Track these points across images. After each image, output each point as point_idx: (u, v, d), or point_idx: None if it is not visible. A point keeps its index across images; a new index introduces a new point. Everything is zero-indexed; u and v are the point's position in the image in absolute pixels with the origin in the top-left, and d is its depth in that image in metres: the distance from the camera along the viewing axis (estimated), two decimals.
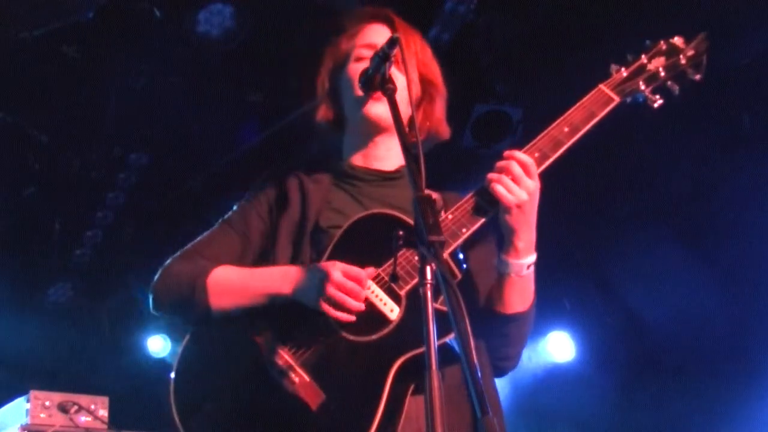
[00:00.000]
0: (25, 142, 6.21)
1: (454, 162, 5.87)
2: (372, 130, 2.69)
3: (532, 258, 2.45)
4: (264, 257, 2.58)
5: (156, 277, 2.59)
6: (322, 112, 2.78)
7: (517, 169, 2.38)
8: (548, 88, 5.69)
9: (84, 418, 5.38)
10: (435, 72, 2.80)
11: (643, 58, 2.63)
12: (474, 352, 1.76)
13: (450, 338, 2.23)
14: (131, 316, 7.78)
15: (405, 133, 2.22)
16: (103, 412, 5.44)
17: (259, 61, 5.59)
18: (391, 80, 2.37)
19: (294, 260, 2.53)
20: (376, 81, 2.41)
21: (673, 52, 2.64)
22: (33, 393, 5.30)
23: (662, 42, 2.66)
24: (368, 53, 2.60)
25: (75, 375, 6.68)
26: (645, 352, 6.97)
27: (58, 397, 5.36)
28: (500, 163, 2.41)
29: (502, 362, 2.58)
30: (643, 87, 2.59)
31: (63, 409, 5.33)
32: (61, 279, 7.48)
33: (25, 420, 5.23)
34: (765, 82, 5.54)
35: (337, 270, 2.32)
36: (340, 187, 2.69)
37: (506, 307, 2.47)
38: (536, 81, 5.89)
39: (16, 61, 5.46)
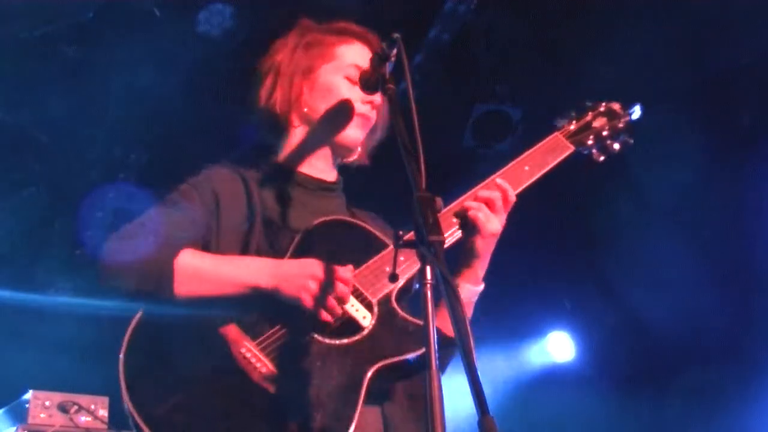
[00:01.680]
0: (25, 142, 6.21)
1: (454, 162, 5.87)
2: (340, 151, 2.74)
3: (482, 287, 2.59)
4: (207, 246, 2.49)
5: (106, 251, 2.43)
6: (268, 101, 2.79)
7: (500, 202, 2.53)
8: (548, 88, 5.69)
9: (84, 418, 5.38)
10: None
11: (589, 116, 2.90)
12: (474, 351, 1.76)
13: (412, 355, 2.29)
14: (131, 316, 7.77)
15: (404, 134, 2.22)
16: (103, 412, 5.44)
17: (259, 61, 5.58)
18: (391, 81, 2.37)
19: (242, 254, 2.48)
20: (376, 82, 2.41)
21: (613, 115, 2.92)
22: (33, 393, 5.30)
23: (603, 104, 2.93)
24: (356, 75, 2.60)
25: (75, 375, 6.66)
26: (645, 352, 6.97)
27: (58, 397, 5.36)
28: (484, 193, 2.55)
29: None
30: (590, 142, 2.86)
31: (63, 409, 5.32)
32: (61, 279, 7.47)
33: (25, 420, 5.23)
34: (765, 82, 5.54)
35: (330, 270, 2.32)
36: (282, 189, 2.66)
37: (447, 331, 2.48)
38: (536, 81, 5.89)
39: (16, 61, 5.46)
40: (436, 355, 1.82)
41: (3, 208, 6.64)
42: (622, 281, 7.05)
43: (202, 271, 2.37)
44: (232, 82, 5.75)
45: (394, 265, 2.28)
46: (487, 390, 1.68)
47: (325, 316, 2.32)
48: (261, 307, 2.36)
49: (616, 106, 2.93)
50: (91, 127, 6.18)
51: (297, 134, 2.76)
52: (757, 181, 5.96)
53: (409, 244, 2.05)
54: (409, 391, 2.47)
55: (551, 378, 7.60)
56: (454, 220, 2.53)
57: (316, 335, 2.34)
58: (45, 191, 6.65)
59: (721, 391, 6.42)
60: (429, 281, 1.88)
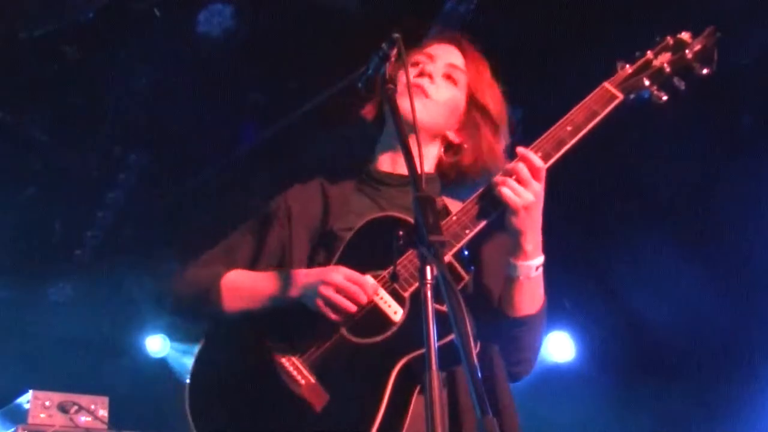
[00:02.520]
0: (25, 142, 6.21)
1: None
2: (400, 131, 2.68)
3: (540, 259, 2.47)
4: (279, 262, 2.59)
5: (173, 280, 2.67)
6: (370, 110, 2.80)
7: (525, 171, 2.39)
8: (548, 88, 5.69)
9: (84, 418, 5.38)
10: (489, 100, 2.83)
11: (649, 54, 2.59)
12: (474, 352, 1.76)
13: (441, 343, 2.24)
14: (131, 316, 7.78)
15: (404, 134, 2.22)
16: (103, 412, 5.44)
17: (259, 61, 5.58)
18: (391, 80, 2.36)
19: (311, 262, 2.55)
20: (376, 81, 2.40)
21: (679, 47, 2.58)
22: (33, 393, 5.30)
23: (669, 37, 2.61)
24: (423, 59, 2.70)
25: (75, 375, 6.67)
26: (645, 352, 6.97)
27: (58, 397, 5.36)
28: (510, 165, 2.42)
29: (515, 367, 2.59)
30: (647, 83, 2.54)
31: (63, 409, 5.32)
32: (61, 279, 7.47)
33: (25, 420, 5.23)
34: (765, 82, 5.54)
35: (338, 273, 2.34)
36: (362, 191, 2.69)
37: (516, 310, 2.47)
38: (536, 81, 5.88)
39: (16, 61, 5.45)
40: (436, 355, 1.80)
41: (3, 208, 6.64)
42: (621, 281, 7.04)
43: (241, 288, 2.52)
44: (232, 82, 5.76)
45: (394, 265, 2.28)
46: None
47: (347, 316, 2.34)
48: (298, 317, 2.41)
49: (684, 36, 2.59)
50: (91, 127, 6.18)
51: (385, 135, 2.78)
52: (758, 181, 5.95)
53: (409, 244, 2.05)
54: (461, 381, 2.43)
55: (551, 378, 7.59)
56: (485, 200, 2.41)
57: (348, 337, 2.37)
58: (45, 191, 6.65)
59: (722, 391, 6.42)
60: (429, 281, 1.88)
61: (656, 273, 6.62)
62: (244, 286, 2.52)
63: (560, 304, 7.50)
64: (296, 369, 2.36)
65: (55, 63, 5.53)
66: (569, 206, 6.58)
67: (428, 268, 1.89)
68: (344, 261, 2.44)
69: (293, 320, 2.42)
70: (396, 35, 2.31)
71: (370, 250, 2.43)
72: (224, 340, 2.54)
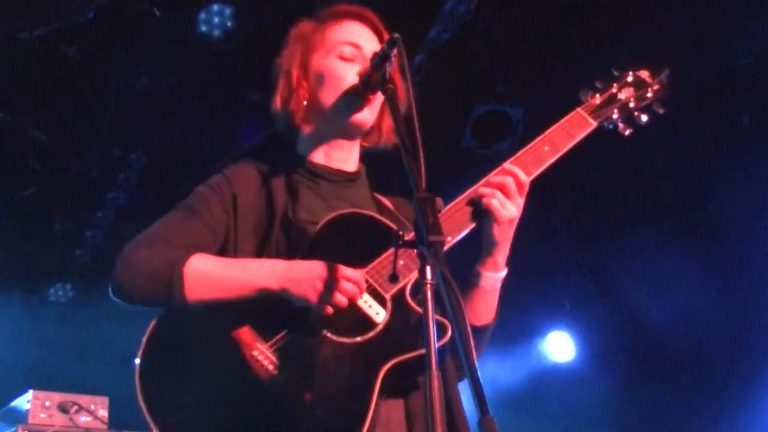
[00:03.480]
0: (25, 142, 6.21)
1: (454, 162, 5.87)
2: (352, 132, 2.66)
3: (504, 273, 2.54)
4: (225, 248, 2.50)
5: (119, 262, 2.46)
6: (281, 100, 2.69)
7: (513, 186, 2.47)
8: (548, 88, 5.69)
9: (84, 418, 5.38)
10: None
11: (615, 87, 2.77)
12: (474, 351, 1.76)
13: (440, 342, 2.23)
14: (131, 316, 7.78)
15: (404, 134, 2.21)
16: (103, 412, 5.44)
17: (259, 61, 5.58)
18: (391, 80, 2.36)
19: (260, 252, 2.47)
20: (377, 81, 2.40)
21: (641, 84, 2.78)
22: (33, 393, 5.30)
23: (630, 73, 2.80)
24: (350, 52, 2.61)
25: (75, 375, 6.67)
26: (645, 352, 6.98)
27: (58, 397, 5.36)
28: (497, 178, 2.48)
29: (458, 372, 2.55)
30: (616, 116, 2.73)
31: (63, 409, 5.33)
32: (61, 279, 7.48)
33: (25, 420, 5.23)
34: (765, 82, 5.54)
35: (333, 269, 2.30)
36: (302, 183, 2.63)
37: (475, 319, 2.51)
38: (536, 81, 5.89)
39: (16, 61, 5.46)
40: (436, 355, 1.80)
41: (3, 208, 6.65)
42: (622, 281, 7.05)
43: (211, 276, 2.37)
44: (232, 82, 5.77)
45: (394, 265, 2.29)
46: (487, 390, 1.68)
47: (334, 313, 2.31)
48: (272, 310, 2.35)
49: (644, 74, 2.80)
50: (91, 127, 6.18)
51: (307, 129, 2.71)
52: (757, 180, 5.96)
53: (409, 245, 2.04)
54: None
55: (551, 378, 7.60)
56: (469, 208, 2.47)
57: (328, 334, 2.33)
58: (45, 191, 6.65)
59: (721, 391, 6.43)
60: (429, 281, 1.88)
61: (656, 273, 6.62)
62: (212, 274, 2.37)
63: (560, 304, 7.51)
64: (270, 363, 2.29)
65: (55, 63, 5.52)
66: (569, 207, 6.59)
67: (428, 268, 1.89)
68: (316, 257, 2.38)
69: (266, 309, 2.34)
70: (396, 36, 2.31)
71: (341, 248, 2.40)
72: (182, 326, 2.38)
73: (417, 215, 1.98)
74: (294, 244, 2.46)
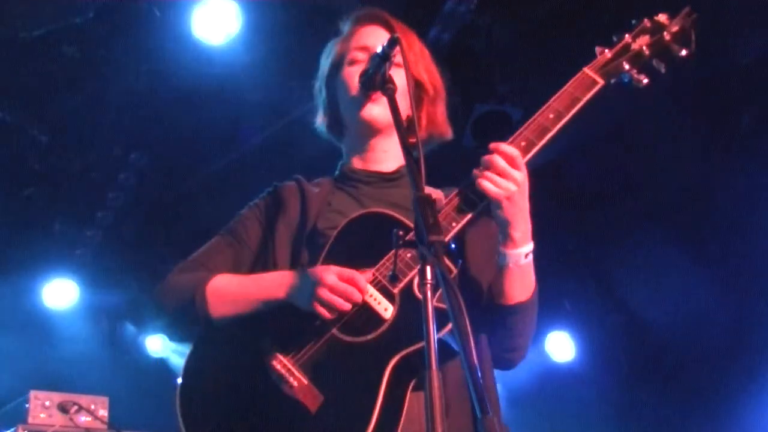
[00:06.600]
0: (25, 142, 6.21)
1: (454, 162, 5.86)
2: (368, 131, 2.70)
3: (530, 246, 2.44)
4: (263, 263, 2.60)
5: (157, 288, 2.63)
6: (321, 118, 2.82)
7: (501, 162, 2.37)
8: (548, 88, 5.68)
9: (84, 418, 5.39)
10: (435, 74, 2.80)
11: (628, 38, 2.57)
12: (474, 351, 1.76)
13: (445, 334, 2.22)
14: (131, 316, 7.78)
15: (405, 133, 2.22)
16: (103, 412, 5.45)
17: (259, 61, 5.58)
18: (391, 80, 2.37)
19: (293, 264, 2.54)
20: (376, 81, 2.41)
21: (657, 29, 2.57)
22: (33, 393, 5.31)
23: (646, 20, 2.60)
24: (362, 56, 2.66)
25: (75, 375, 6.67)
26: (645, 352, 6.98)
27: (58, 397, 5.37)
28: (485, 157, 2.41)
29: (509, 354, 2.58)
30: (627, 67, 2.53)
31: (63, 409, 5.33)
32: (61, 279, 7.47)
33: (25, 420, 5.24)
34: (765, 82, 5.54)
35: (331, 273, 2.33)
36: (341, 189, 2.71)
37: (507, 298, 2.46)
38: (536, 81, 5.88)
39: (16, 61, 5.46)
40: (436, 355, 1.80)
41: (3, 208, 6.64)
42: (622, 281, 7.05)
43: (229, 292, 2.52)
44: (232, 82, 5.76)
45: (395, 265, 2.30)
46: None
47: (341, 314, 2.34)
48: (290, 320, 2.41)
49: (662, 17, 2.56)
50: (91, 127, 6.18)
51: (345, 139, 2.81)
52: (757, 180, 5.96)
53: (409, 245, 2.04)
54: (448, 380, 2.37)
55: (551, 378, 7.60)
56: (467, 195, 2.40)
57: (340, 336, 2.36)
58: (45, 191, 6.65)
59: (721, 391, 6.43)
60: (429, 281, 1.87)
61: (656, 273, 6.62)
62: (230, 290, 2.51)
63: (560, 304, 7.51)
64: (288, 370, 2.36)
65: (55, 63, 5.52)
66: (569, 206, 6.59)
67: (428, 268, 1.88)
68: (331, 259, 2.43)
69: (283, 321, 2.42)
70: (396, 35, 2.31)
71: (356, 247, 2.44)
72: (215, 343, 2.53)
73: (416, 215, 1.98)
74: (316, 251, 2.52)
